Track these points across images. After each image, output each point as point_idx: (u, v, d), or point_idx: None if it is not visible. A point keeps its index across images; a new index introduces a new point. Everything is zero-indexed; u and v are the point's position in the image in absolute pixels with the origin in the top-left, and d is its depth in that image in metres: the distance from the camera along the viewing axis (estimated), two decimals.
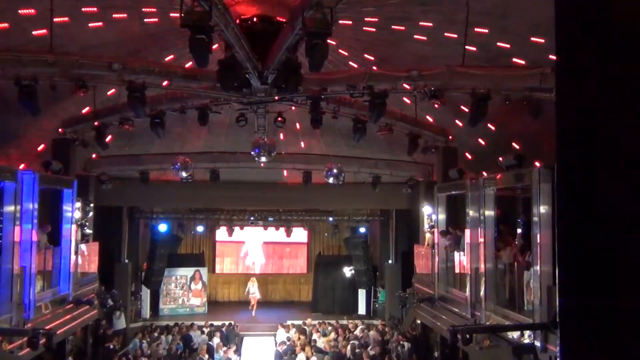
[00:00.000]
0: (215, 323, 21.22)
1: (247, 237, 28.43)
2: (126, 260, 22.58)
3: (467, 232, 13.22)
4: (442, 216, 15.91)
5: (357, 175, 19.95)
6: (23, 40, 10.51)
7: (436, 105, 12.21)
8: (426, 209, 18.12)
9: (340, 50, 12.82)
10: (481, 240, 12.41)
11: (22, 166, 12.82)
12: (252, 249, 28.99)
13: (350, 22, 11.45)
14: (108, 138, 15.19)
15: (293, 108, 14.25)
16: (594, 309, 2.02)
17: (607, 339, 1.98)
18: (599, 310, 2.00)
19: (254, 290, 24.58)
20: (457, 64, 10.98)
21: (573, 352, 2.12)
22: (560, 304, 2.19)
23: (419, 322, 17.87)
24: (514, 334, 10.37)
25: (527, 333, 9.88)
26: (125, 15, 10.89)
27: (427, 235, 17.73)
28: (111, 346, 17.94)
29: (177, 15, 8.30)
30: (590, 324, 2.02)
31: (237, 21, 10.31)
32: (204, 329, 20.24)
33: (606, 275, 1.98)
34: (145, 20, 11.30)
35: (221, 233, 28.19)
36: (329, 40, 8.75)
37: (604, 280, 1.99)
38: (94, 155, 18.12)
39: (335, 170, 16.96)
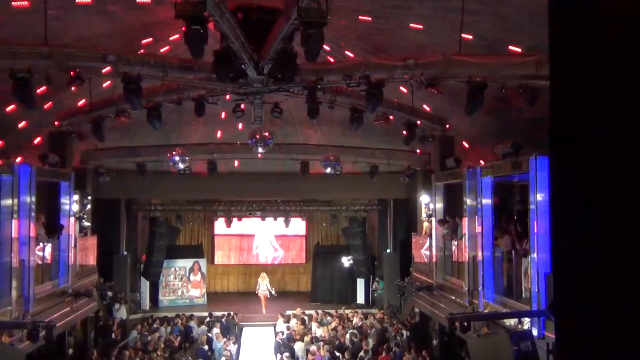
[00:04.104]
0: (215, 314, 21.30)
1: (257, 230, 28.55)
2: (125, 252, 22.60)
3: (465, 220, 13.26)
4: (439, 205, 15.95)
5: (354, 165, 19.95)
6: (17, 32, 10.45)
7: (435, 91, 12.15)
8: (424, 198, 18.15)
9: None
10: (479, 228, 12.45)
11: (18, 159, 12.80)
12: (261, 242, 29.03)
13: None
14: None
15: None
16: (589, 296, 2.03)
17: (603, 326, 1.99)
18: (594, 297, 2.01)
19: (264, 288, 23.86)
20: (453, 52, 10.95)
21: (569, 339, 2.14)
22: (556, 291, 2.20)
23: (417, 310, 17.96)
24: (512, 322, 10.43)
25: (525, 320, 9.95)
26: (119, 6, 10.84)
27: (425, 224, 17.77)
28: (113, 335, 18.05)
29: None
30: (586, 311, 2.03)
31: (232, 11, 10.26)
32: (207, 319, 20.33)
33: (602, 263, 1.99)
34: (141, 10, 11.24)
35: (220, 226, 28.24)
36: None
37: (600, 268, 2.00)
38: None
39: (332, 161, 16.98)
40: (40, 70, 10.46)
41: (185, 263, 25.61)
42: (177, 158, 16.47)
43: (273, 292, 23.59)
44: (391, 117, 14.84)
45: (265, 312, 23.08)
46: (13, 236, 10.99)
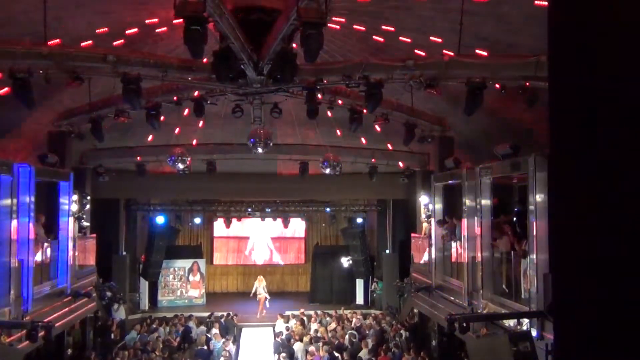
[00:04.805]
0: (215, 314, 21.28)
1: (252, 232, 28.51)
2: (124, 253, 22.61)
3: (464, 221, 13.25)
4: (438, 205, 15.93)
5: (354, 166, 19.95)
6: (17, 32, 10.44)
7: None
8: (423, 199, 18.14)
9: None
10: (478, 229, 12.44)
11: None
12: (259, 244, 28.99)
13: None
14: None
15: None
16: (588, 296, 2.03)
17: (601, 327, 1.99)
18: (593, 298, 2.02)
19: (260, 290, 23.53)
20: (452, 53, 10.95)
21: (568, 339, 2.14)
22: (555, 291, 2.20)
23: (416, 311, 17.95)
24: (511, 322, 10.43)
25: (523, 321, 9.94)
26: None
27: (424, 224, 17.76)
28: (112, 336, 18.03)
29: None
30: (585, 312, 2.03)
31: (232, 12, 10.26)
32: (207, 320, 20.33)
33: (601, 263, 2.00)
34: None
35: (219, 227, 28.21)
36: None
37: (599, 268, 2.00)
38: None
39: (331, 161, 16.97)
40: (40, 70, 10.45)
41: (185, 263, 25.61)
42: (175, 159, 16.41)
43: (267, 299, 23.36)
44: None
45: (263, 314, 22.90)
46: (12, 237, 10.97)
